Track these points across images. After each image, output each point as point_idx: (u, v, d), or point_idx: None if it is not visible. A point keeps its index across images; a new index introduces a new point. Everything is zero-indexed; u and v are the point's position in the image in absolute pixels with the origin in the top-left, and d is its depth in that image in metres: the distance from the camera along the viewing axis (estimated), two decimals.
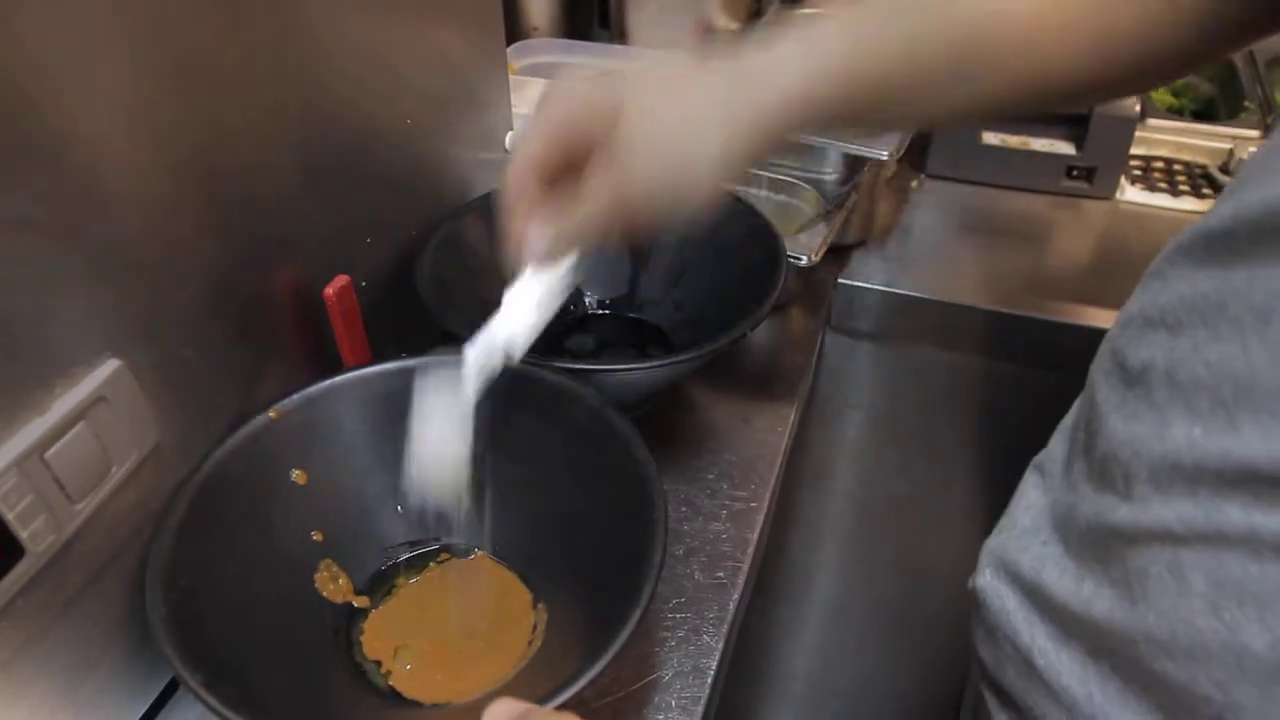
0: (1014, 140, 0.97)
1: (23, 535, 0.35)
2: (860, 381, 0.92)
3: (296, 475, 0.49)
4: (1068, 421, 0.47)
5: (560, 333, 0.70)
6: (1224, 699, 0.32)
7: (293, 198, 0.50)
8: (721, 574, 0.55)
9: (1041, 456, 0.48)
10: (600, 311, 0.71)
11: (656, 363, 0.55)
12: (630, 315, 0.71)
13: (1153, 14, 0.40)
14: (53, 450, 0.36)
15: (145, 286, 0.40)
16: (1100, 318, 0.79)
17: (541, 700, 0.36)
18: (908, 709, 1.09)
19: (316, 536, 0.49)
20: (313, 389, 0.50)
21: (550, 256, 0.43)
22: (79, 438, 0.37)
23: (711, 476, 0.61)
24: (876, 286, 0.84)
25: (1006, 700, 0.45)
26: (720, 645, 0.51)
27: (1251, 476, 0.31)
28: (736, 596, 0.54)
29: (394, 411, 0.51)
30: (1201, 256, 0.35)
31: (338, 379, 0.50)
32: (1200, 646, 0.33)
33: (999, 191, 0.97)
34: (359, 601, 0.49)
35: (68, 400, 0.37)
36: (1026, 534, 0.45)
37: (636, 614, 0.39)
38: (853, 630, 1.14)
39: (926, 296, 0.83)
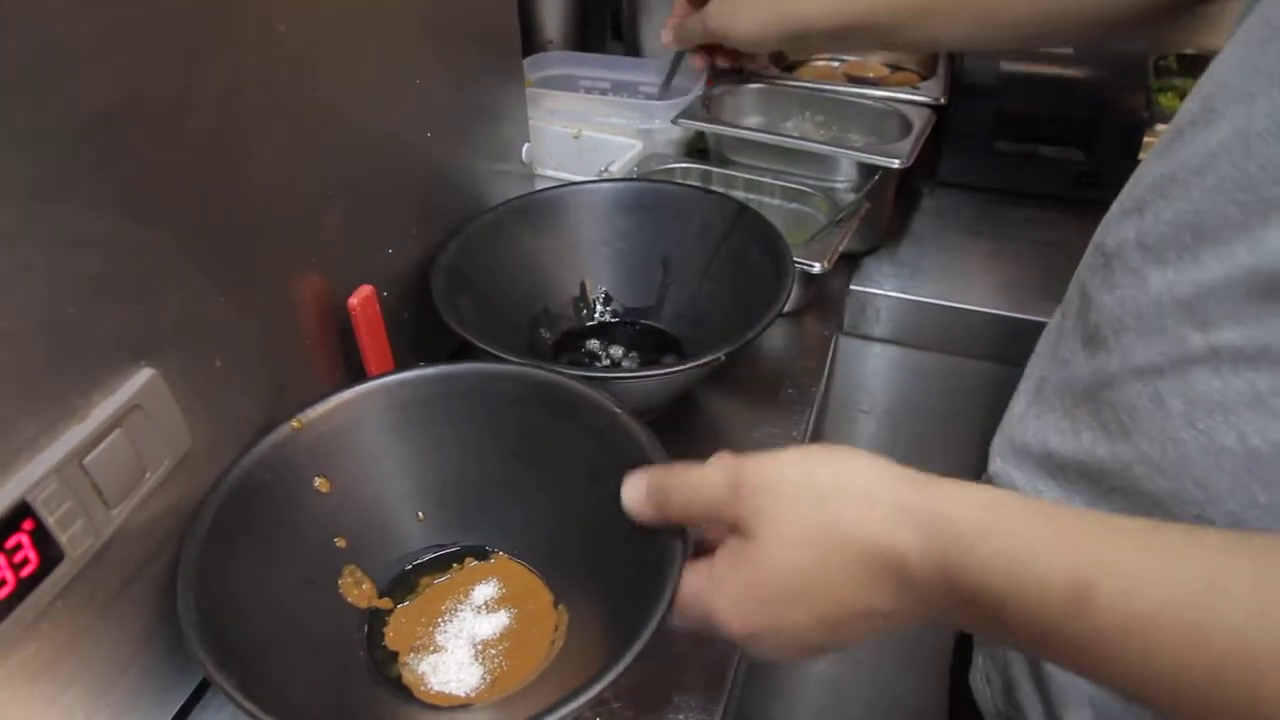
0: (1024, 147, 0.97)
1: (62, 539, 0.36)
2: (873, 386, 0.93)
3: (320, 483, 0.50)
4: (1051, 324, 0.56)
5: (577, 341, 0.71)
6: (1204, 495, 0.39)
7: (317, 210, 0.51)
8: None
9: (1029, 364, 0.57)
10: (615, 320, 0.72)
11: (670, 369, 0.56)
12: (645, 324, 0.72)
13: None
14: (91, 456, 0.37)
15: (178, 297, 0.41)
16: None
17: (567, 698, 0.37)
18: (922, 712, 1.10)
19: (340, 543, 0.50)
20: (334, 399, 0.50)
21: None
22: (115, 444, 0.38)
23: None
24: (888, 293, 0.85)
25: None
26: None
27: (1208, 296, 0.39)
28: None
29: (415, 419, 0.52)
30: (1161, 152, 0.45)
31: (358, 388, 0.51)
32: (1184, 456, 0.40)
33: (1009, 198, 0.98)
34: (382, 604, 0.50)
35: (105, 408, 0.38)
36: (1025, 418, 0.53)
37: (659, 613, 0.39)
38: None
39: (938, 302, 0.84)
